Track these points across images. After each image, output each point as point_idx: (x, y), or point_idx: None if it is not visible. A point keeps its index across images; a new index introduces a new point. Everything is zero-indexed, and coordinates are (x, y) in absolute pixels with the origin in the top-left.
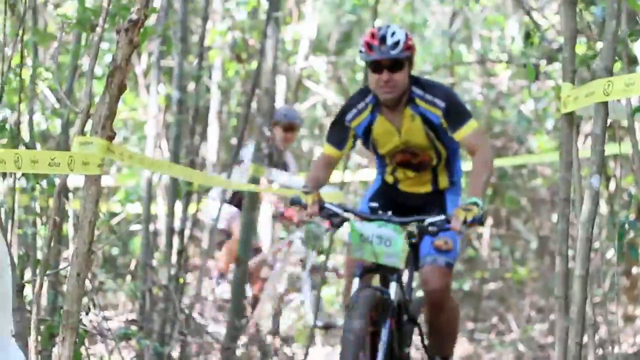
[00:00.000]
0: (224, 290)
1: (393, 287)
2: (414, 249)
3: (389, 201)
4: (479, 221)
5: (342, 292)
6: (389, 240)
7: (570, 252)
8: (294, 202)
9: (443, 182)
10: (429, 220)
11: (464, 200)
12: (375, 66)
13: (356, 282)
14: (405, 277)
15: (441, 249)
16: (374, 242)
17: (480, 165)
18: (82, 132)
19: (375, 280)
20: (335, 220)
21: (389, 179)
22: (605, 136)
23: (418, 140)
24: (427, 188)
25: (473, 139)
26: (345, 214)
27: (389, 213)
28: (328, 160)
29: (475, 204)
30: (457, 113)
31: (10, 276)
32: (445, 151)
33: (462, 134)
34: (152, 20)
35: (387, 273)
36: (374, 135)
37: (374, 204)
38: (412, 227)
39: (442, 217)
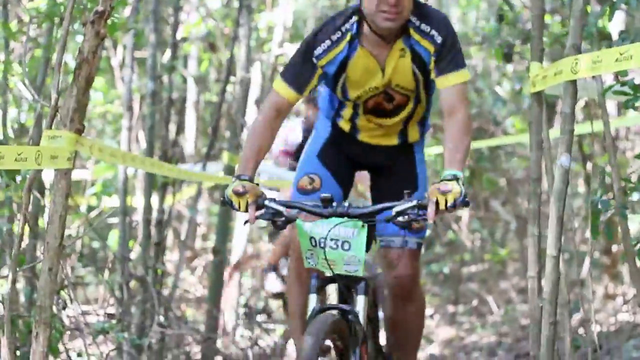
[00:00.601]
0: (274, 285)
1: (361, 302)
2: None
3: (343, 157)
4: (463, 203)
5: (288, 323)
6: (348, 242)
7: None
8: (224, 203)
9: (413, 134)
10: (398, 208)
11: (440, 173)
12: None
13: (313, 299)
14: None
15: (412, 227)
16: (328, 246)
17: (460, 129)
18: (50, 126)
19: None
20: (280, 222)
21: (345, 126)
22: (574, 115)
23: (403, 82)
24: (393, 140)
25: (458, 94)
26: (291, 212)
27: (346, 204)
28: (279, 106)
29: (456, 177)
30: (452, 54)
31: None
32: (425, 98)
33: (448, 82)
34: (127, 11)
35: (352, 283)
36: (348, 74)
37: (326, 195)
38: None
39: (414, 202)
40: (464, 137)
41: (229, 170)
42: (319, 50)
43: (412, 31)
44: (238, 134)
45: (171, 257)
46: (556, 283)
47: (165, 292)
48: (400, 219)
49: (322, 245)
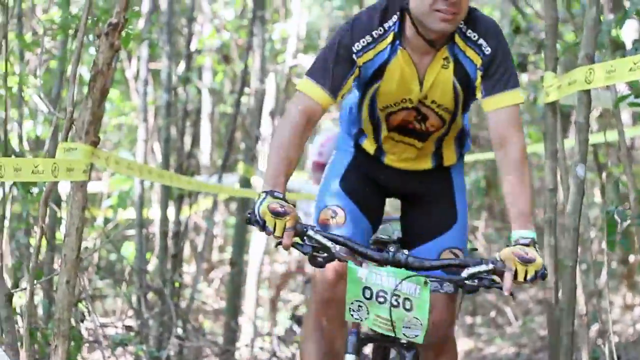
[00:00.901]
0: None
1: None
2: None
3: (370, 184)
4: (542, 276)
5: None
6: (409, 301)
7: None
8: (251, 222)
9: (449, 155)
10: (471, 270)
11: (513, 234)
12: None
13: None
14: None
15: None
16: (389, 303)
17: (518, 168)
18: (66, 139)
19: None
20: (320, 259)
21: (370, 147)
22: (588, 124)
23: (441, 99)
24: (425, 164)
25: (509, 119)
26: (339, 250)
27: (405, 252)
28: (310, 112)
29: (534, 242)
30: (502, 70)
31: None
32: (461, 116)
33: (497, 104)
34: (141, 23)
35: (402, 349)
36: (384, 79)
37: (384, 236)
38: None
39: (489, 266)
40: (524, 178)
41: (245, 182)
42: (358, 46)
43: (457, 37)
44: (253, 146)
45: (188, 269)
46: (573, 294)
47: (183, 304)
48: (468, 282)
49: (381, 300)
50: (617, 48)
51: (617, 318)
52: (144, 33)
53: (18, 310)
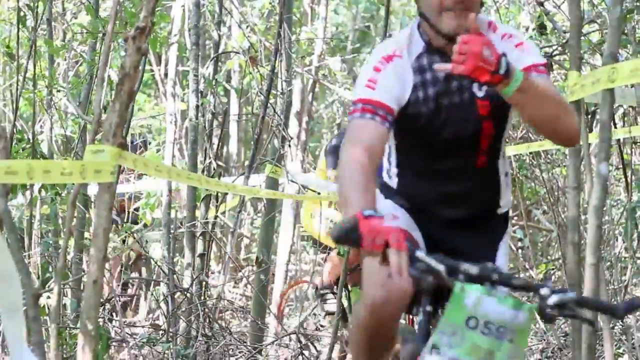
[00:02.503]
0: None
1: None
2: None
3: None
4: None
5: None
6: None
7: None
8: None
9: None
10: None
11: None
12: None
13: None
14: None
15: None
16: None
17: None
18: (93, 141)
19: None
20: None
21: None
22: (612, 123)
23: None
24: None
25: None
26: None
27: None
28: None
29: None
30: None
31: (20, 284)
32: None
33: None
34: (170, 26)
35: None
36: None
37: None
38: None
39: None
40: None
41: (271, 183)
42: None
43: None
44: (279, 147)
45: (215, 268)
46: (596, 291)
47: (210, 303)
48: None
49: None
50: None
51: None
52: (173, 36)
53: (47, 311)
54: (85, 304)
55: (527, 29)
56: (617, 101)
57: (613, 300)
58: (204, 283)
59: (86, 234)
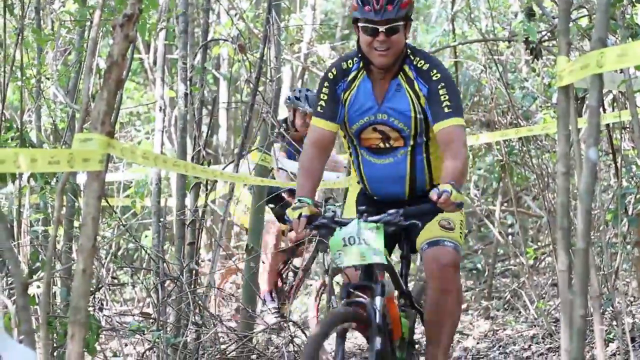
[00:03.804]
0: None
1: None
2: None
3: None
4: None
5: None
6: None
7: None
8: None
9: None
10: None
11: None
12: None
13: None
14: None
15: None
16: (356, 243)
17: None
18: (82, 129)
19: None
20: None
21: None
22: (600, 108)
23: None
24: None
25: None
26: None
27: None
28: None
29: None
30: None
31: None
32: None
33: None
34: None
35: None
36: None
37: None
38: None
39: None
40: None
41: (260, 171)
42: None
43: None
44: (269, 134)
45: (205, 256)
46: (585, 276)
47: (200, 291)
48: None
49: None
50: (634, 35)
51: (632, 300)
52: (160, 23)
53: (36, 300)
54: (74, 293)
55: (516, 15)
56: (607, 86)
57: (603, 286)
58: (194, 271)
59: (76, 223)
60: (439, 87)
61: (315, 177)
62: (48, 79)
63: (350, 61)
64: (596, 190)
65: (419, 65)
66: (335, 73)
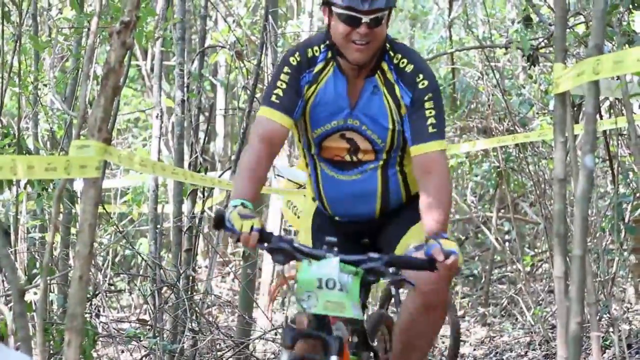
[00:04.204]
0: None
1: None
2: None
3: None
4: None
5: None
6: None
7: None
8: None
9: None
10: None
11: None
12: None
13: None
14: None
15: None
16: (336, 287)
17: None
18: (79, 136)
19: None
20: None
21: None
22: (596, 115)
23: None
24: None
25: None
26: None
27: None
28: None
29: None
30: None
31: None
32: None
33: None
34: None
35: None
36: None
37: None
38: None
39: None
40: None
41: None
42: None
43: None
44: None
45: (202, 263)
46: (582, 283)
47: (197, 298)
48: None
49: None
50: (630, 42)
51: (629, 307)
52: (157, 30)
53: (33, 307)
54: (71, 299)
55: (512, 22)
56: (603, 93)
57: (600, 293)
58: (190, 278)
59: (73, 230)
60: (426, 98)
61: (261, 179)
62: (45, 85)
63: (316, 48)
64: (593, 197)
65: (400, 65)
66: (299, 60)
